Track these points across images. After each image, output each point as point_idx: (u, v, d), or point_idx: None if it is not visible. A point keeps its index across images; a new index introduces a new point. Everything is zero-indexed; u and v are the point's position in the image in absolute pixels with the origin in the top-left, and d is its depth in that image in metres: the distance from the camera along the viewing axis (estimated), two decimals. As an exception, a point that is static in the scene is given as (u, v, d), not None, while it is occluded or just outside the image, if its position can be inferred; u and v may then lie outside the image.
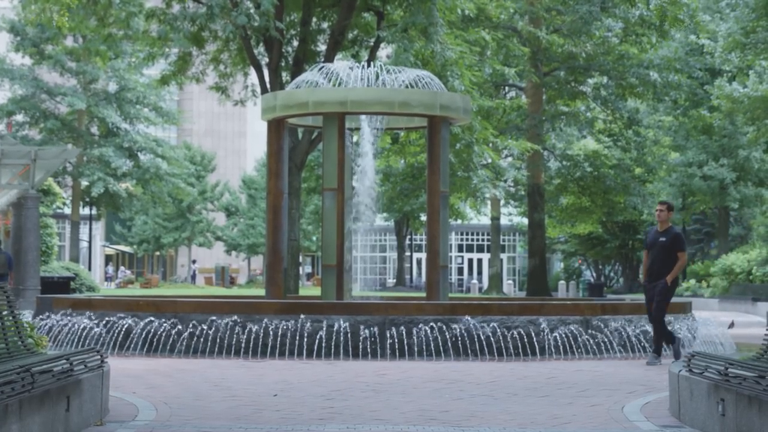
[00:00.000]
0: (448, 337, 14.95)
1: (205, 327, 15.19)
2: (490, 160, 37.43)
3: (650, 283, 14.27)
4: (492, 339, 15.01)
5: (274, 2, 26.22)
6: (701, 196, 52.04)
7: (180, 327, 15.31)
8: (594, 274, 76.04)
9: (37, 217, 27.05)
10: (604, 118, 47.74)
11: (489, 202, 55.39)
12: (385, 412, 9.42)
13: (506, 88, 46.91)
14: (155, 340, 15.33)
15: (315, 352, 14.83)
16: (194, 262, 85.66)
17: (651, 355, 14.46)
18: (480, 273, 79.21)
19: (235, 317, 15.20)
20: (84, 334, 15.73)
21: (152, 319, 15.47)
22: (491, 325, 15.11)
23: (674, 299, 15.46)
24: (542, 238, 45.54)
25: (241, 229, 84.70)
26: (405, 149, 38.81)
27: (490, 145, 36.63)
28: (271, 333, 14.94)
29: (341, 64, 19.56)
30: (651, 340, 15.95)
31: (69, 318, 16.18)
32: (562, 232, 65.74)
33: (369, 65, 19.01)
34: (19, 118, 58.68)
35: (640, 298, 18.86)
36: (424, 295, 20.78)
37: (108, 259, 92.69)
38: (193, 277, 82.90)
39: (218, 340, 15.12)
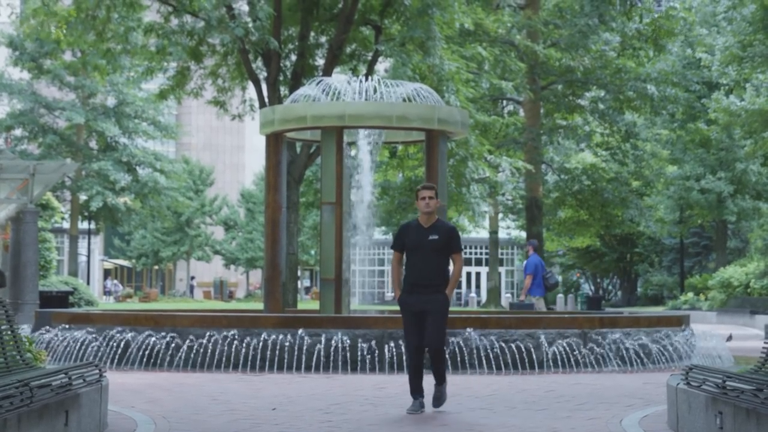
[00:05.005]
0: (446, 350, 14.94)
1: (204, 341, 15.19)
2: (486, 175, 37.45)
3: (420, 296, 10.40)
4: (490, 352, 15.02)
5: (272, 14, 26.31)
6: (699, 210, 52.08)
7: (179, 341, 15.32)
8: (592, 288, 76.05)
9: (36, 232, 27.04)
10: (601, 132, 47.79)
11: (487, 216, 55.41)
12: (383, 426, 9.42)
13: (503, 101, 46.97)
14: (154, 354, 15.33)
15: (313, 366, 14.83)
16: (193, 278, 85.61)
17: (417, 403, 10.48)
18: (478, 286, 79.19)
19: (234, 331, 15.20)
20: (82, 348, 15.72)
21: (151, 333, 15.48)
22: (489, 339, 15.12)
23: (672, 312, 15.33)
24: (540, 252, 45.54)
25: (240, 242, 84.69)
26: (403, 163, 38.84)
27: (488, 159, 36.62)
28: (269, 347, 14.94)
29: (339, 78, 19.61)
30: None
31: (67, 332, 16.18)
32: (560, 246, 65.75)
33: (367, 79, 19.05)
34: (18, 132, 58.75)
35: (640, 311, 18.79)
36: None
37: (107, 273, 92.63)
38: (192, 290, 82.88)
39: (217, 354, 15.12)
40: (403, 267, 10.72)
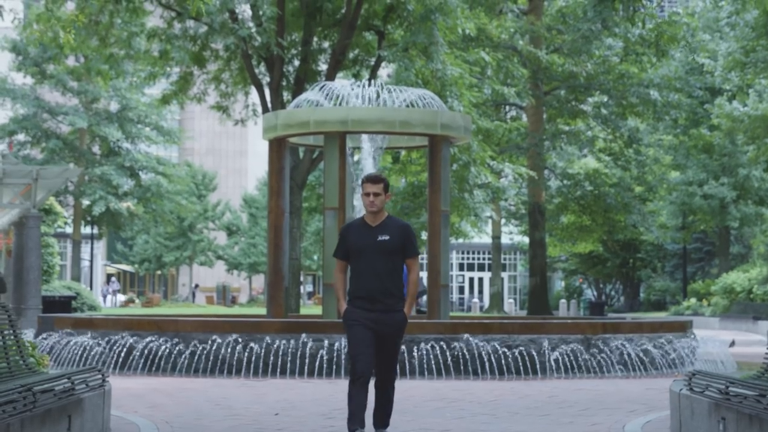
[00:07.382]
0: (449, 355, 14.95)
1: (207, 346, 15.19)
2: (489, 180, 37.49)
3: (370, 313, 8.32)
4: (493, 358, 15.01)
5: (277, 12, 26.35)
6: (702, 215, 52.05)
7: (181, 346, 15.31)
8: (595, 293, 76.02)
9: (39, 237, 27.06)
10: (604, 137, 47.82)
11: (490, 221, 55.41)
12: None
13: (506, 107, 47.01)
14: (156, 359, 15.33)
15: (316, 371, 14.83)
16: (196, 286, 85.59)
17: None
18: (481, 292, 79.16)
19: (237, 336, 15.20)
20: (85, 353, 15.73)
21: (153, 338, 15.48)
22: (492, 344, 15.11)
23: (675, 318, 15.25)
24: (543, 257, 45.54)
25: (243, 248, 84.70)
26: (406, 168, 38.86)
27: (491, 164, 36.65)
28: (272, 352, 14.94)
29: (342, 83, 19.61)
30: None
31: (70, 337, 16.18)
32: (563, 251, 65.75)
33: (370, 84, 19.06)
34: (21, 137, 58.79)
35: (643, 317, 18.33)
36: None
37: (109, 277, 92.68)
38: (194, 296, 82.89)
39: (220, 360, 15.13)
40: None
